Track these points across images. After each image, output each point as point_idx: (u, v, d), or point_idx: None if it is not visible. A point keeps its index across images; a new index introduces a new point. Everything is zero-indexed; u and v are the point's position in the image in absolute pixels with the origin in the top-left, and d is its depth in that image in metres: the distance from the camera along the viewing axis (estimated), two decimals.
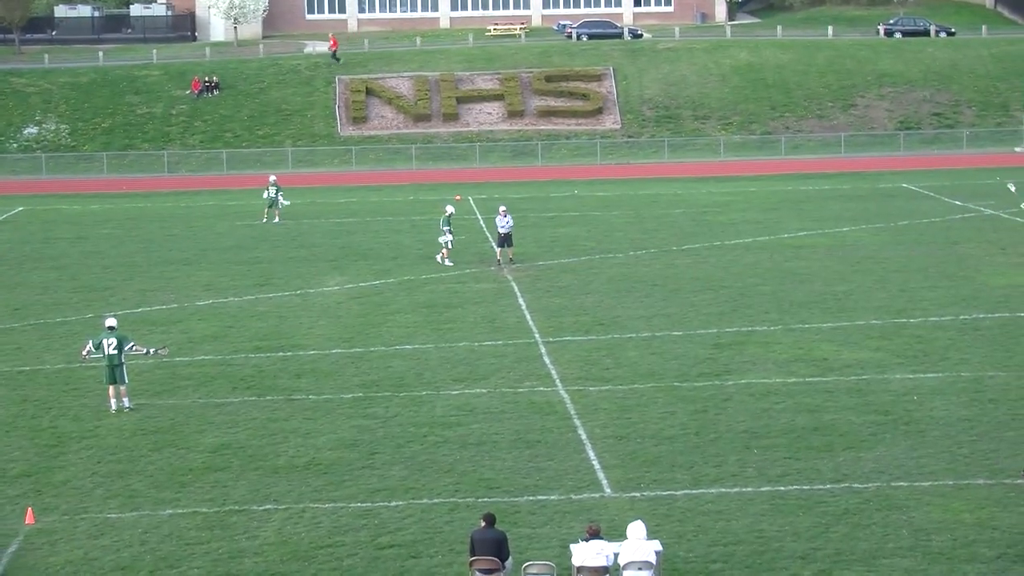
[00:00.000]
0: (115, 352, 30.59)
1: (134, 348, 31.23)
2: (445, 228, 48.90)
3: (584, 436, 28.41)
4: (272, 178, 63.04)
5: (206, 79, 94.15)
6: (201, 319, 40.88)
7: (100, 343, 30.76)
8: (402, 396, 31.70)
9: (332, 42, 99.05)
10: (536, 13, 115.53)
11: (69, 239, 58.18)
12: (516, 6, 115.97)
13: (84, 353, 31.53)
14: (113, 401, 30.87)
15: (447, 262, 48.58)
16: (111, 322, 31.38)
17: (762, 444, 27.59)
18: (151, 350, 32.26)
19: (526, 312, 40.67)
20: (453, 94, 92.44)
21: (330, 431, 29.11)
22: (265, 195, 62.12)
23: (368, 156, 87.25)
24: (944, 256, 48.81)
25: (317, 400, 31.57)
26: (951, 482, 25.20)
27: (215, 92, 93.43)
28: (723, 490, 25.06)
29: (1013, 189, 59.90)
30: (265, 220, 61.22)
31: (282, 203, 61.67)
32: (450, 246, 48.94)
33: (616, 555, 20.21)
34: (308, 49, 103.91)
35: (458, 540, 22.75)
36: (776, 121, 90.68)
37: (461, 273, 47.30)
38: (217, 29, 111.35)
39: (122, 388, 30.94)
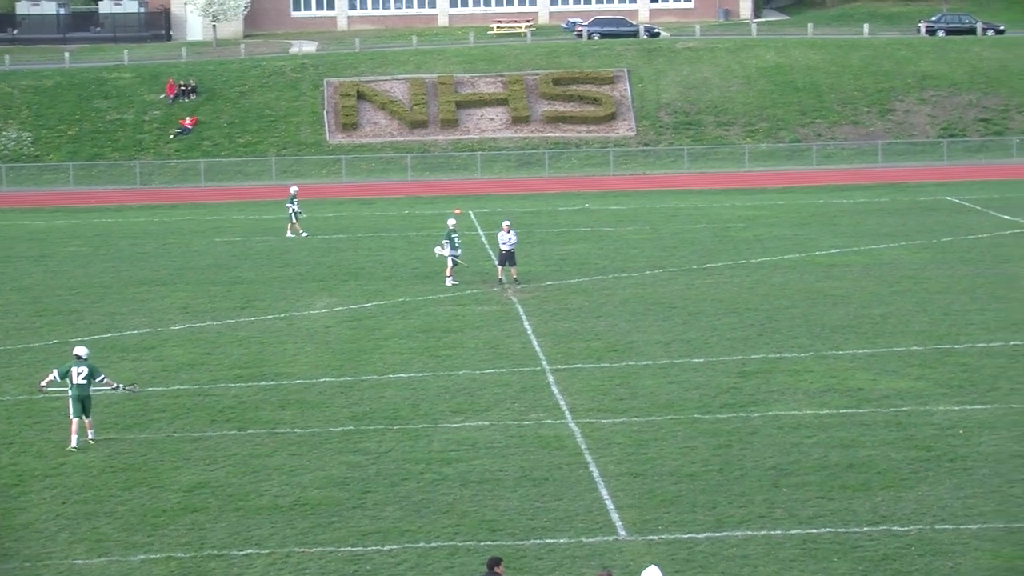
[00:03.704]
0: (84, 382, 30.56)
1: (104, 381, 31.26)
2: (445, 242, 48.92)
3: (596, 473, 28.40)
4: (293, 189, 63.18)
5: (182, 82, 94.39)
6: (176, 345, 40.92)
7: (68, 371, 30.76)
8: (396, 429, 31.70)
9: (169, 87, 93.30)
10: (543, 10, 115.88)
11: (32, 258, 58.27)
12: (521, 2, 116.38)
13: (43, 384, 31.55)
14: (75, 437, 30.70)
15: (449, 281, 48.59)
16: (80, 351, 31.31)
17: (792, 482, 27.56)
18: (122, 386, 32.30)
19: (532, 337, 40.69)
20: (452, 98, 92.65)
21: (317, 468, 29.10)
22: (290, 207, 61.96)
23: (359, 166, 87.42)
24: (992, 276, 48.78)
25: (303, 434, 31.58)
26: (1001, 525, 25.15)
27: (192, 96, 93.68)
28: (749, 533, 25.03)
29: None
30: (305, 234, 61.29)
31: (289, 213, 61.89)
32: (452, 262, 48.86)
33: None
34: (294, 49, 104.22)
35: None
36: (806, 128, 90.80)
37: (461, 295, 47.35)
38: (194, 28, 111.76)
39: (87, 420, 30.93)
